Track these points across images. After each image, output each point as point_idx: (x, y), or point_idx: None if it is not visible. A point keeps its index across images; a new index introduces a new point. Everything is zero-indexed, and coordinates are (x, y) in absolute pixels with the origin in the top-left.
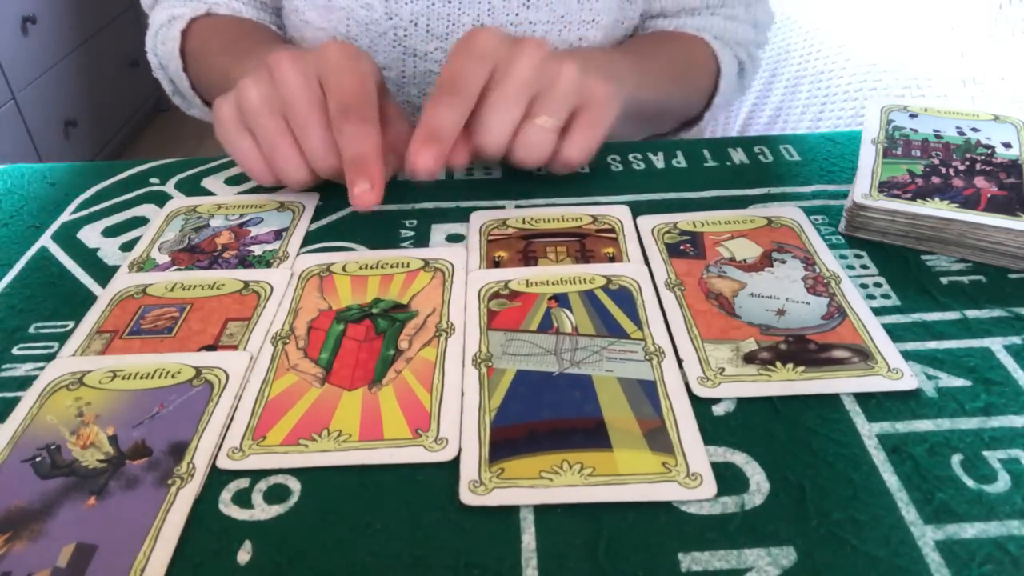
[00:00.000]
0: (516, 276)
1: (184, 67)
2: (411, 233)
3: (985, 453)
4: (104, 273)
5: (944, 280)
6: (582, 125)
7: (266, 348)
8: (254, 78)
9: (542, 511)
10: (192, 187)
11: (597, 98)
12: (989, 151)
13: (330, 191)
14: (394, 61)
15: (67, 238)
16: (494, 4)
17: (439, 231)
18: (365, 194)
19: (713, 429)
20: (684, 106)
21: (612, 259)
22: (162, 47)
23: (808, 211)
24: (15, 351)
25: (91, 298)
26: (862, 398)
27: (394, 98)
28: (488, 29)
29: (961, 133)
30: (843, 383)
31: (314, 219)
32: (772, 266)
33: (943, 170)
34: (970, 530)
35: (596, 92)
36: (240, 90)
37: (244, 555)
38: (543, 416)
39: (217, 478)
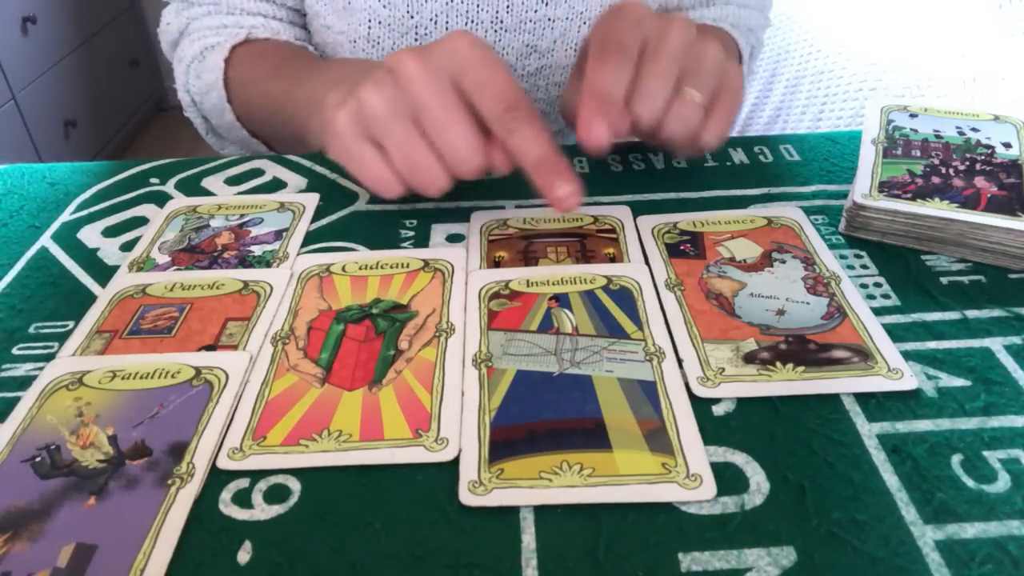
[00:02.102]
0: (517, 276)
1: (228, 98)
2: (411, 233)
3: (985, 453)
4: (104, 273)
5: (944, 280)
6: (720, 109)
7: (266, 348)
8: (374, 83)
9: (542, 511)
10: (192, 187)
11: (734, 84)
12: (989, 151)
13: (330, 191)
14: None
15: (67, 238)
16: (512, 1)
17: (439, 231)
18: (571, 196)
19: (713, 429)
20: None
21: (612, 259)
22: (197, 81)
23: (808, 211)
24: (15, 351)
25: (91, 298)
26: (862, 398)
27: None
28: (635, 1)
29: (961, 133)
30: (843, 383)
31: (314, 219)
32: (772, 266)
33: (943, 170)
34: (970, 530)
35: (733, 77)
36: (361, 98)
37: (244, 555)
38: (543, 416)
39: (217, 478)
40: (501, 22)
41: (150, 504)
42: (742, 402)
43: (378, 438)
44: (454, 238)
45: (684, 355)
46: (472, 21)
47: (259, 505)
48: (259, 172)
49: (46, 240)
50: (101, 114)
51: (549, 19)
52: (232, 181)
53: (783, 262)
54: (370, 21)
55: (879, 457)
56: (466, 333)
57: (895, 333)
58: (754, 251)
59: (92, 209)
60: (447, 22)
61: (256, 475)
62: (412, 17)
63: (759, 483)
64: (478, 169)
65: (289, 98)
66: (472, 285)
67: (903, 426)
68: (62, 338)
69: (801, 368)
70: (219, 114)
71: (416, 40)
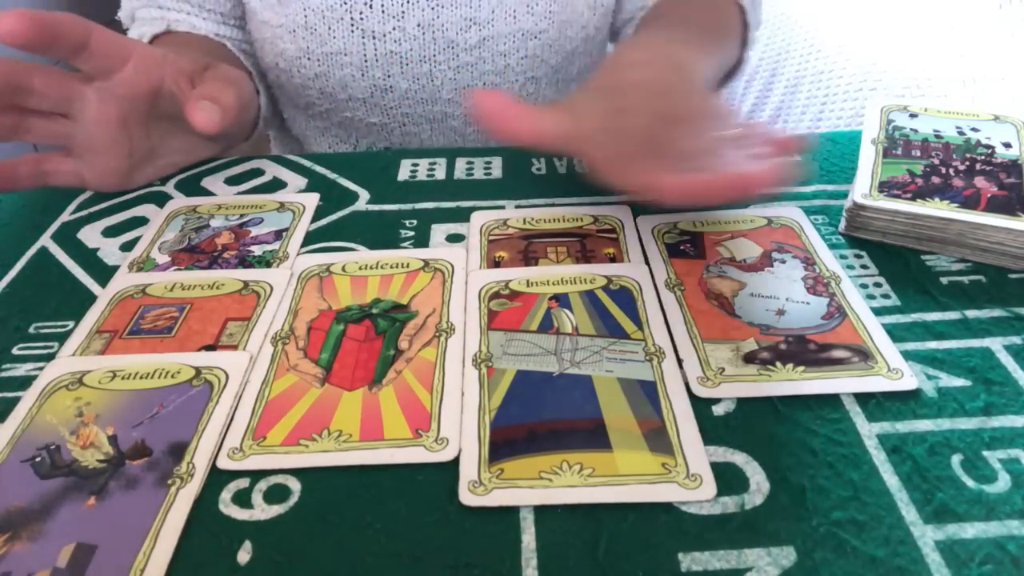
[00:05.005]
0: (517, 276)
1: None
2: (411, 233)
3: (985, 453)
4: (104, 273)
5: (944, 280)
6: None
7: (266, 348)
8: None
9: (542, 511)
10: (192, 187)
11: None
12: (989, 151)
13: (330, 191)
14: (354, 45)
15: (67, 238)
16: None
17: (439, 231)
18: None
19: (713, 429)
20: (729, 60)
21: (612, 259)
22: None
23: (808, 211)
24: (15, 351)
25: (91, 298)
26: (862, 398)
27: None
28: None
29: (961, 133)
30: (843, 383)
31: (314, 219)
32: (772, 266)
33: (943, 170)
34: (970, 530)
35: None
36: None
37: (244, 555)
38: (543, 416)
39: (217, 478)
40: None
41: (150, 504)
42: (742, 402)
43: (378, 438)
44: (454, 238)
45: (684, 355)
46: (408, 3)
47: (259, 505)
48: (259, 172)
49: (46, 240)
50: None
51: None
52: (232, 181)
53: (783, 262)
54: (305, 10)
55: (879, 457)
56: (466, 333)
57: (895, 333)
58: (754, 251)
59: (92, 209)
60: (382, 4)
61: (256, 475)
62: (346, 3)
63: (759, 483)
64: None
65: None
66: (472, 285)
67: (903, 426)
68: (62, 338)
69: (801, 368)
70: None
71: (352, 24)
